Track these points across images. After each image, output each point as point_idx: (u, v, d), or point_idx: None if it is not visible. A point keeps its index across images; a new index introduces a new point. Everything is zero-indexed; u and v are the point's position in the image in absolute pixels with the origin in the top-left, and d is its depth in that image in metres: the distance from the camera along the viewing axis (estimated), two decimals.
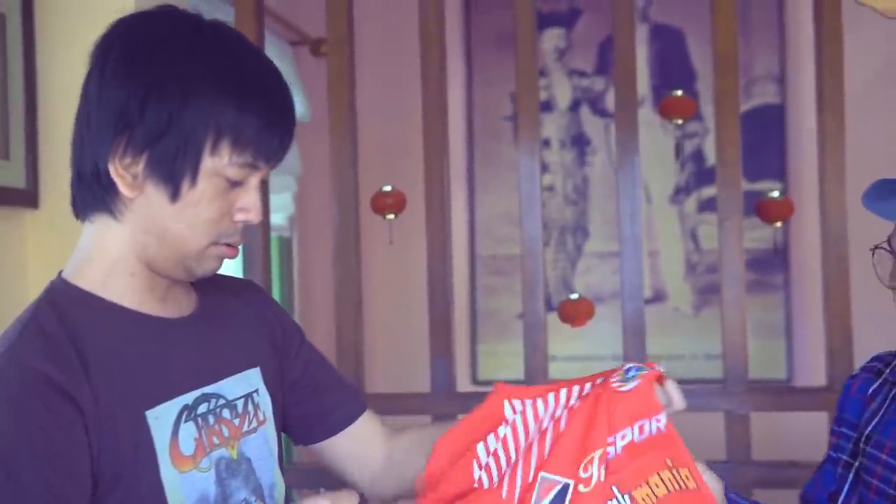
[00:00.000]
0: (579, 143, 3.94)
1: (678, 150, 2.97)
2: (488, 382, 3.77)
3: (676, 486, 1.21)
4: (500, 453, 1.21)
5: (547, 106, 3.95)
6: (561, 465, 1.17)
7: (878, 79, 3.53)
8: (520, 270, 2.76)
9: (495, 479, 1.19)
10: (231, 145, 1.20)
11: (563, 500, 1.15)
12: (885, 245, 1.37)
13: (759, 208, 2.82)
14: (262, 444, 1.37)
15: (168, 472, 1.20)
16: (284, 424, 1.48)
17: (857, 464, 1.50)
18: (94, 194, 1.24)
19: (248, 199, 1.25)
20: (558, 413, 1.21)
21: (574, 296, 2.88)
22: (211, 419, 1.28)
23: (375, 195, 2.83)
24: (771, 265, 3.78)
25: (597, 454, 1.17)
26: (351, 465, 1.55)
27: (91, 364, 1.16)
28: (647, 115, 3.59)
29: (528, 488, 1.16)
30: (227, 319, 1.40)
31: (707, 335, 3.62)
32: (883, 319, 2.76)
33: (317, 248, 3.57)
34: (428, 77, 2.78)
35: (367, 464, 1.55)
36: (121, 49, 1.22)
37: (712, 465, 2.62)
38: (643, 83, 3.77)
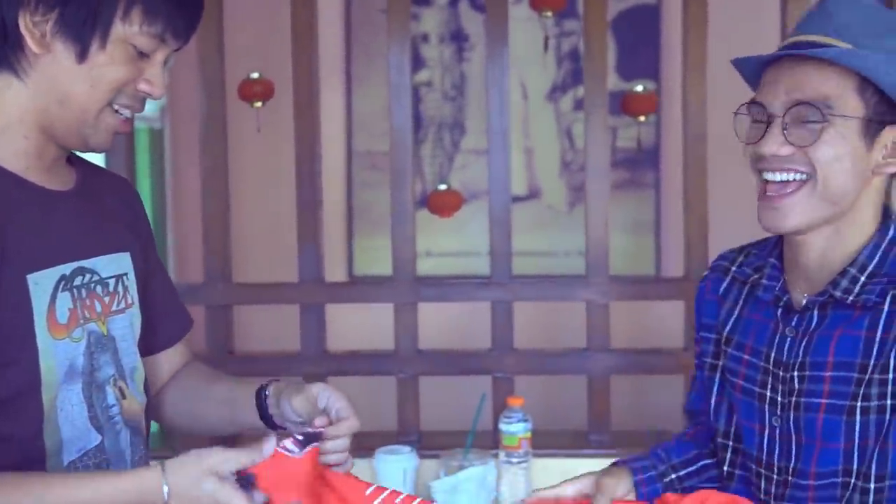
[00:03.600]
0: (458, 38, 3.92)
1: (546, 43, 2.98)
2: (364, 277, 3.79)
3: None
4: None
5: (426, 1, 3.91)
6: None
7: None
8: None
9: None
10: (143, 13, 1.24)
11: None
12: (744, 110, 1.41)
13: (624, 102, 2.87)
14: (128, 327, 1.40)
15: (43, 337, 1.24)
16: None
17: (720, 364, 1.53)
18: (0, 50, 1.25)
19: (153, 71, 1.30)
20: None
21: (442, 186, 2.90)
22: (84, 292, 1.32)
23: (243, 82, 2.79)
24: (643, 163, 3.85)
25: None
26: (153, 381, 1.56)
27: None
28: (525, 10, 3.58)
29: None
30: (104, 202, 1.43)
31: (580, 232, 3.69)
32: (739, 213, 2.86)
33: (188, 138, 3.49)
34: None
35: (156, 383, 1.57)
36: None
37: (573, 353, 2.73)
38: None
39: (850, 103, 1.31)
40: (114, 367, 1.36)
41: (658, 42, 3.84)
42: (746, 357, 1.46)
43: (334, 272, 3.47)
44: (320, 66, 2.85)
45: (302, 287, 2.76)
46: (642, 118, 2.85)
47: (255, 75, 2.77)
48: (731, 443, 1.53)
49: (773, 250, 1.49)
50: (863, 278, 1.35)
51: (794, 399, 1.38)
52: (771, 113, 1.35)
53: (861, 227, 1.38)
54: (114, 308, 1.37)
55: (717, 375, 1.53)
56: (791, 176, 1.34)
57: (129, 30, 1.25)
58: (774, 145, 1.34)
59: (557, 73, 3.91)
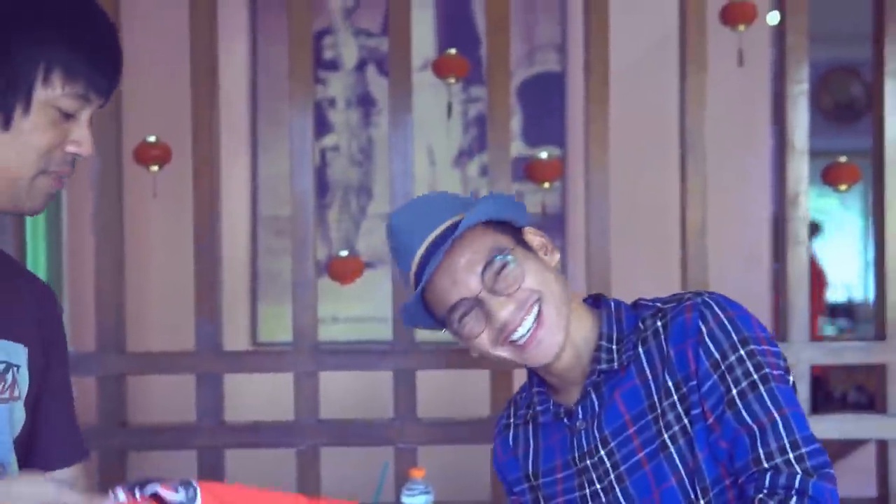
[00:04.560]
0: (365, 103, 3.92)
1: (449, 109, 2.99)
2: (268, 344, 3.71)
3: None
4: None
5: (333, 65, 3.90)
6: None
7: (647, 56, 3.68)
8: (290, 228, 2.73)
9: None
10: (63, 75, 1.23)
11: None
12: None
13: (528, 169, 2.88)
14: (5, 420, 1.31)
15: None
16: None
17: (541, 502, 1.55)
18: None
19: (80, 132, 1.28)
20: None
21: (343, 253, 2.87)
22: None
23: (139, 146, 2.72)
24: (549, 230, 3.86)
25: None
26: None
27: None
28: (431, 76, 3.59)
29: None
30: (14, 292, 1.37)
31: None
32: (640, 274, 2.87)
33: (84, 202, 3.40)
34: (196, 27, 2.70)
35: None
36: None
37: (477, 422, 2.69)
38: (428, 46, 3.78)
39: (502, 239, 1.44)
40: None
41: (563, 108, 3.89)
42: (559, 475, 1.50)
43: (236, 340, 3.38)
44: (224, 130, 2.81)
45: (198, 356, 2.68)
46: (546, 185, 2.86)
47: (152, 139, 2.71)
48: None
49: (532, 382, 1.57)
50: (614, 345, 1.46)
51: (614, 474, 1.43)
52: (476, 297, 1.42)
53: (586, 327, 1.48)
54: None
55: None
56: (529, 320, 1.42)
57: (51, 93, 1.24)
58: (503, 313, 1.41)
59: (464, 139, 3.92)
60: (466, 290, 1.41)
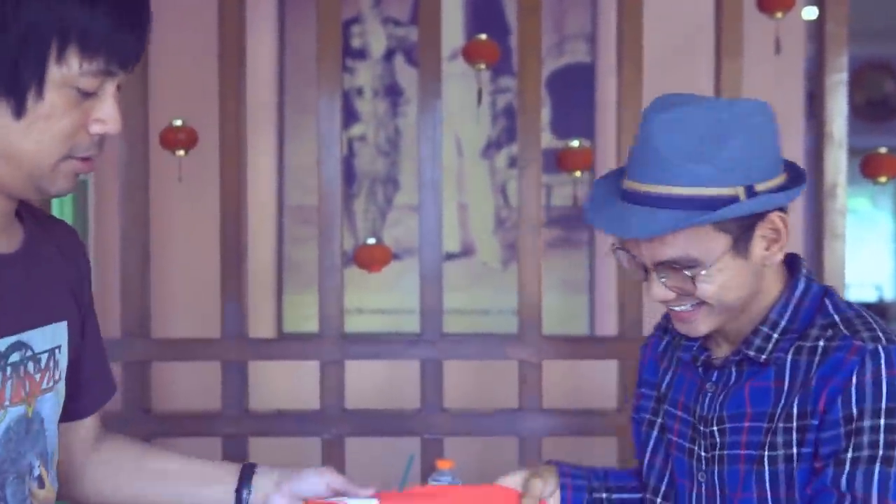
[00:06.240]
0: (392, 92, 3.88)
1: (479, 95, 2.95)
2: (293, 334, 3.68)
3: None
4: None
5: (361, 54, 3.86)
6: None
7: (681, 43, 3.62)
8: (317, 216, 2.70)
9: None
10: (80, 51, 1.09)
11: None
12: (618, 251, 1.41)
13: (559, 158, 2.85)
14: (55, 405, 1.27)
15: None
16: None
17: (659, 421, 1.53)
18: None
19: (105, 109, 1.14)
20: None
21: (371, 240, 2.83)
22: (20, 371, 1.18)
23: (165, 130, 2.70)
24: (578, 222, 3.82)
25: None
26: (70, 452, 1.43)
27: None
28: (460, 66, 3.55)
29: None
30: (47, 264, 1.27)
31: (514, 290, 3.64)
32: None
33: (111, 187, 3.38)
34: (225, 11, 2.67)
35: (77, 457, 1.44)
36: None
37: (504, 413, 2.66)
38: (457, 35, 3.73)
39: (713, 246, 1.30)
40: (36, 454, 1.23)
41: (593, 100, 3.84)
42: (679, 413, 1.48)
43: (261, 329, 3.35)
44: (250, 118, 2.79)
45: (224, 343, 2.65)
46: (578, 174, 2.82)
47: (179, 122, 2.69)
48: (658, 500, 1.53)
49: None
50: (776, 335, 1.37)
51: (715, 453, 1.40)
52: (643, 263, 1.35)
53: (768, 291, 1.39)
54: (44, 386, 1.23)
55: (655, 432, 1.54)
56: (687, 305, 1.36)
57: (67, 72, 1.10)
58: (658, 293, 1.35)
59: (493, 130, 3.88)
60: (638, 252, 1.34)
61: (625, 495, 1.61)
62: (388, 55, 3.88)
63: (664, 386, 1.53)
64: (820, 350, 1.33)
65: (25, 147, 1.11)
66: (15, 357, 1.17)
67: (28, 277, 1.22)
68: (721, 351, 1.44)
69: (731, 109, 1.28)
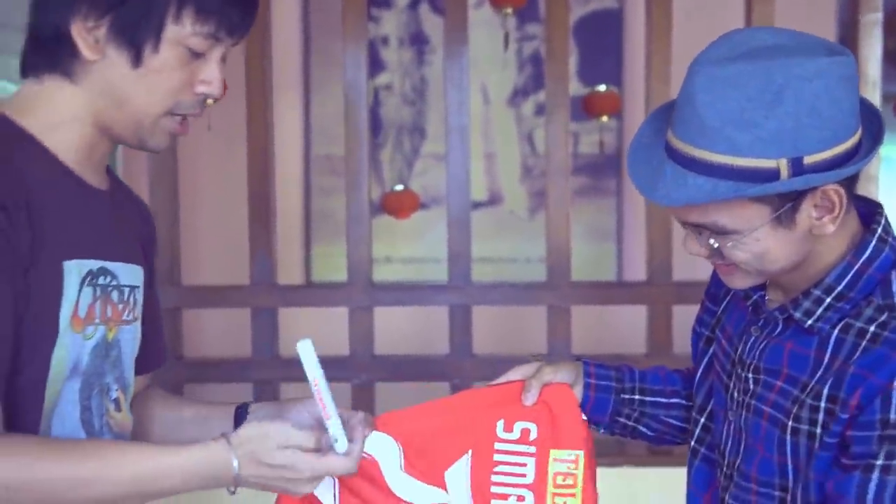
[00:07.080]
0: (418, 41, 3.86)
1: (506, 39, 2.93)
2: (322, 284, 3.70)
3: None
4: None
5: (386, 3, 3.84)
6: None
7: None
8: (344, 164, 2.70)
9: None
10: (194, 14, 1.21)
11: None
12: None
13: (586, 102, 2.83)
14: (132, 339, 1.36)
15: (64, 326, 1.21)
16: None
17: (714, 341, 1.47)
18: (50, 56, 1.24)
19: (210, 71, 1.26)
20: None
21: (399, 187, 2.84)
22: (104, 293, 1.28)
23: None
24: (605, 169, 3.80)
25: None
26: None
27: (32, 209, 1.18)
28: (486, 14, 3.53)
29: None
30: (128, 213, 1.40)
31: (541, 239, 3.64)
32: None
33: None
34: None
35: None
36: None
37: (435, 357, 2.63)
38: None
39: (749, 215, 1.20)
40: (115, 376, 1.32)
41: (620, 47, 3.80)
42: (724, 344, 1.42)
43: (290, 278, 3.37)
44: (276, 69, 2.79)
45: (254, 290, 2.68)
46: (605, 119, 2.80)
47: None
48: (703, 419, 1.47)
49: None
50: (828, 299, 1.25)
51: (746, 399, 1.34)
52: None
53: (828, 250, 1.25)
54: (124, 317, 1.33)
55: (711, 349, 1.47)
56: (721, 262, 1.28)
57: (181, 31, 1.22)
58: (694, 248, 1.27)
59: (519, 78, 3.85)
60: (672, 211, 1.26)
61: (660, 398, 1.52)
62: (414, 3, 3.85)
63: (721, 308, 1.45)
64: (869, 335, 1.21)
65: (137, 95, 1.23)
66: (102, 279, 1.27)
67: (114, 215, 1.33)
68: (776, 296, 1.35)
69: (790, 70, 1.14)
